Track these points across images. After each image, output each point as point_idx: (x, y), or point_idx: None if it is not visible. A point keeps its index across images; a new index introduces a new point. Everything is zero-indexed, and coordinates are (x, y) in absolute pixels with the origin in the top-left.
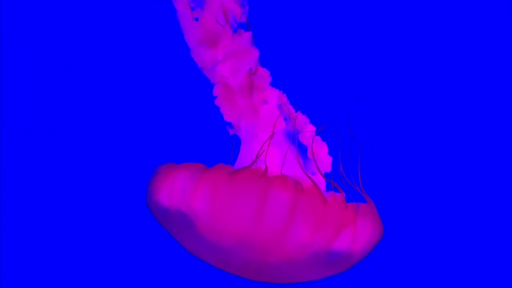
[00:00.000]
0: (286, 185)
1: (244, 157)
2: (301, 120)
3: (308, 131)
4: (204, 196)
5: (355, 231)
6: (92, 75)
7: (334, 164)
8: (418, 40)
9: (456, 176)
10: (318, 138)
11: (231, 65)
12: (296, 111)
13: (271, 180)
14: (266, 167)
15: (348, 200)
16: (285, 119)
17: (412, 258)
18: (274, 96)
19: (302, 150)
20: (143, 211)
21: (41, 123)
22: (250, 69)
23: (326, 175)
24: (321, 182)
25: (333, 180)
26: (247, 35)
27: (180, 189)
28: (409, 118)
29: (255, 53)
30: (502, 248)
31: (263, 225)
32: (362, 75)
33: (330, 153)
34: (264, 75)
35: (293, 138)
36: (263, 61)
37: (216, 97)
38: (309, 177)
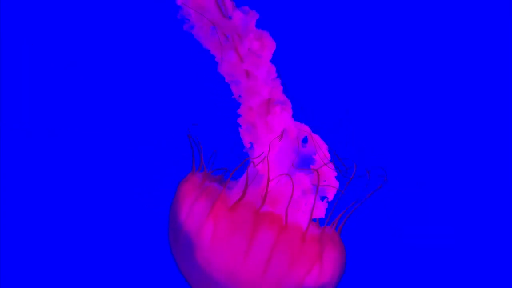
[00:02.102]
0: (272, 225)
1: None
2: (315, 145)
3: (320, 159)
4: (209, 227)
5: (322, 264)
6: (97, 76)
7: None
8: (417, 40)
9: (458, 177)
10: (330, 164)
11: (249, 86)
12: (312, 135)
13: (262, 217)
14: (264, 201)
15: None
16: (302, 142)
17: (413, 257)
18: (287, 121)
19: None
20: (142, 213)
21: (41, 123)
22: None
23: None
24: (321, 208)
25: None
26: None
27: (197, 215)
28: (409, 119)
29: (278, 89)
30: (501, 248)
31: (249, 258)
32: (362, 77)
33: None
34: (284, 102)
35: (303, 160)
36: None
37: (240, 115)
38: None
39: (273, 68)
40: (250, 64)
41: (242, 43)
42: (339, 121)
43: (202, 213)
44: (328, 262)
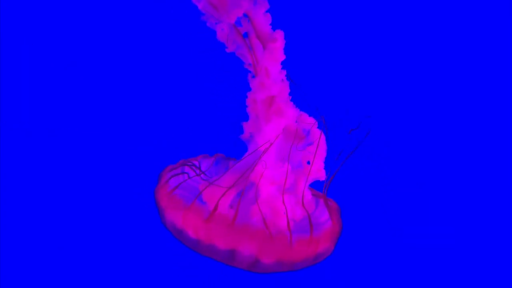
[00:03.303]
0: (252, 238)
1: (244, 164)
2: (312, 138)
3: (312, 149)
4: (189, 231)
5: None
6: (97, 75)
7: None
8: (417, 40)
9: (457, 177)
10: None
11: (261, 81)
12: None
13: (240, 232)
14: (236, 214)
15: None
16: (303, 135)
17: (412, 258)
18: (289, 116)
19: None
20: (139, 212)
21: (41, 123)
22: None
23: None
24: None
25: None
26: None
27: (170, 221)
28: (408, 119)
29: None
30: (501, 248)
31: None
32: (362, 77)
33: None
34: (286, 101)
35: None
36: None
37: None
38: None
39: (283, 70)
40: (266, 60)
41: (266, 40)
42: (339, 121)
43: (175, 219)
44: (324, 234)
